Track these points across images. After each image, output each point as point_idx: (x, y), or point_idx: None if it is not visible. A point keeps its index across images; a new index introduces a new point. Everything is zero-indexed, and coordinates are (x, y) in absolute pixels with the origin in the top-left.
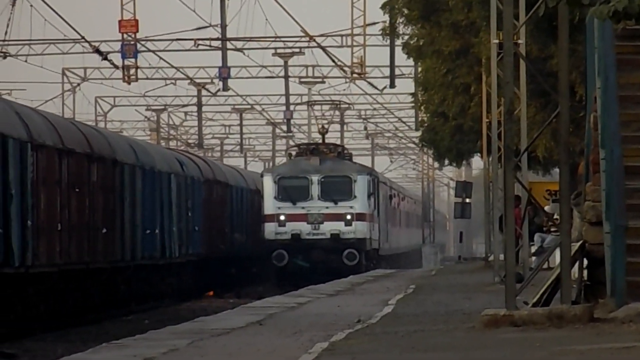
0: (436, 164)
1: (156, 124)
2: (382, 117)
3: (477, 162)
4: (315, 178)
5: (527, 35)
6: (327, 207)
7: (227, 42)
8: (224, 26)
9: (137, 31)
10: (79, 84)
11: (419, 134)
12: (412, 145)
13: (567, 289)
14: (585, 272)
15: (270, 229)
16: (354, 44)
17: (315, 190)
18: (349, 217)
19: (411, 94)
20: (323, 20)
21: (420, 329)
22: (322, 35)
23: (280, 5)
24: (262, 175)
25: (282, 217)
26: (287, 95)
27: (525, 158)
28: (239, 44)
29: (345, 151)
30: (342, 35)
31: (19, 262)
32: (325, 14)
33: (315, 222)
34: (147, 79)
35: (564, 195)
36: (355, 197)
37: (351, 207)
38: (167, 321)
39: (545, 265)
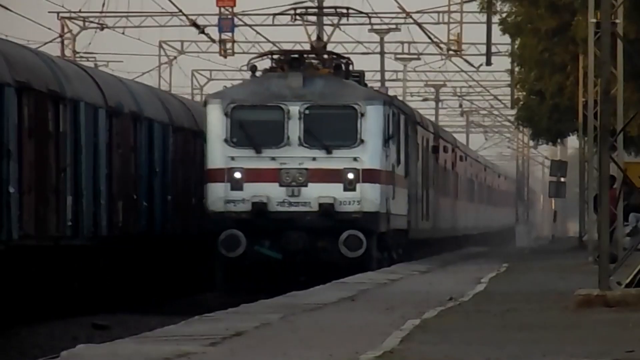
0: (531, 143)
1: None
2: (478, 94)
3: (572, 140)
4: (294, 108)
5: (625, 15)
6: (313, 159)
7: (324, 18)
8: (321, 1)
9: (235, 5)
10: (175, 57)
11: (514, 112)
12: (507, 124)
13: None
14: None
15: (216, 194)
16: (451, 20)
17: (294, 128)
18: (350, 175)
19: (508, 70)
20: None
21: (513, 307)
22: (418, 12)
23: None
24: (205, 104)
25: (237, 175)
26: (382, 71)
27: (621, 138)
28: (335, 20)
29: (351, 67)
30: (438, 12)
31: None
32: None
33: (293, 183)
34: (244, 53)
35: None
36: (362, 141)
37: (355, 159)
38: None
39: (639, 246)
